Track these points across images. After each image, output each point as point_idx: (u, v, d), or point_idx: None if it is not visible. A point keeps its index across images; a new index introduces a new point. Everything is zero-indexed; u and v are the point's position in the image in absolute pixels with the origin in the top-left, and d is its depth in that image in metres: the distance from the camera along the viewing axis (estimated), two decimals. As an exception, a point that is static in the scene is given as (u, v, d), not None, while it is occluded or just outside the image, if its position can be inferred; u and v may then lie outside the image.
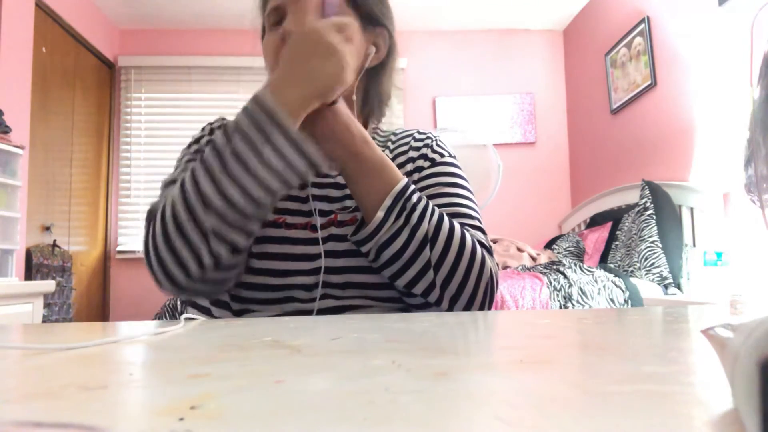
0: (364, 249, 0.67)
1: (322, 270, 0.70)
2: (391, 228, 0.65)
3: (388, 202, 0.65)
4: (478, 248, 0.68)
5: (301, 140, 0.60)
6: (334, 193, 0.76)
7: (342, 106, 0.67)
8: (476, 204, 0.78)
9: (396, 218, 0.65)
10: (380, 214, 0.65)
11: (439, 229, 0.66)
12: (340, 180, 0.77)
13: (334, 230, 0.72)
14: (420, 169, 0.80)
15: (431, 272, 0.66)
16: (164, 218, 0.61)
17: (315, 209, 0.74)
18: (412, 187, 0.68)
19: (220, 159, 0.59)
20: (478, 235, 0.72)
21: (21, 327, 0.50)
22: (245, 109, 0.61)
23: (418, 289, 0.67)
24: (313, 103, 0.62)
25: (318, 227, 0.73)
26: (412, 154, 0.81)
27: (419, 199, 0.67)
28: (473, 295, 0.67)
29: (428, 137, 0.83)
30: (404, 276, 0.67)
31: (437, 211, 0.68)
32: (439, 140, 0.84)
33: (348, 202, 0.75)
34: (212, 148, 0.61)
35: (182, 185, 0.62)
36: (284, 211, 0.74)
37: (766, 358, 0.14)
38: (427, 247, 0.65)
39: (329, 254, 0.71)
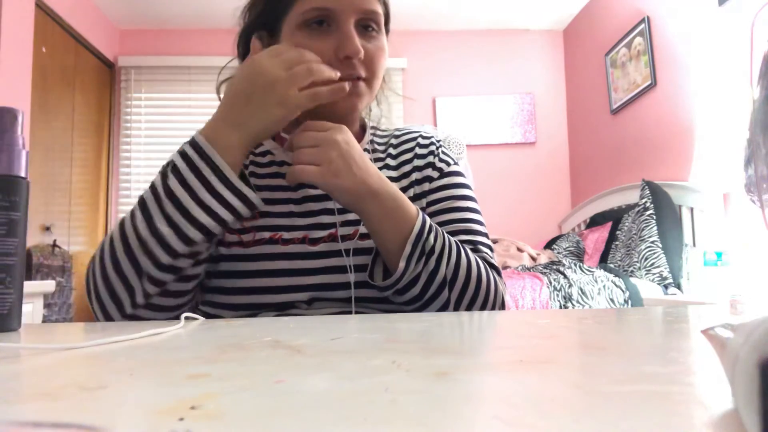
0: (384, 294, 0.67)
1: (352, 285, 0.69)
2: (411, 274, 0.65)
3: (408, 249, 0.64)
4: (491, 276, 0.70)
5: (236, 181, 0.61)
6: (333, 204, 0.74)
7: (355, 144, 0.65)
8: (481, 215, 0.79)
9: (416, 264, 0.65)
10: (402, 264, 0.64)
11: (458, 270, 0.67)
12: None
13: (337, 245, 0.71)
14: (429, 179, 0.79)
15: (451, 310, 0.68)
16: (102, 255, 0.63)
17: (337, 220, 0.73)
18: (428, 223, 0.67)
19: (155, 198, 0.61)
20: (487, 255, 0.74)
21: (21, 327, 0.50)
22: (182, 153, 0.62)
23: None
24: (251, 143, 0.62)
25: (337, 238, 0.72)
26: (418, 162, 0.80)
27: (435, 238, 0.66)
28: None
29: (432, 143, 0.83)
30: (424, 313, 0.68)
31: (453, 246, 0.67)
32: (443, 147, 0.83)
33: (348, 216, 0.73)
34: (149, 189, 0.62)
35: (120, 222, 0.63)
36: (279, 228, 0.72)
37: (766, 359, 0.14)
38: (446, 289, 0.66)
39: (333, 270, 0.70)
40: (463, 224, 0.75)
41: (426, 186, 0.79)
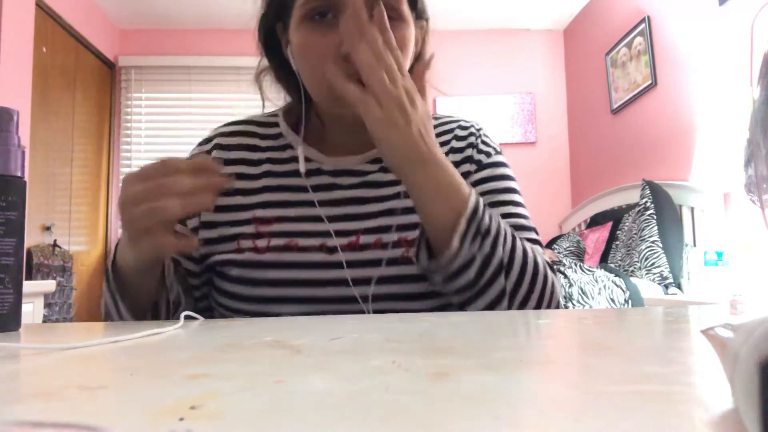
0: (434, 278, 0.61)
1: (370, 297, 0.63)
2: (466, 256, 0.57)
3: (462, 226, 0.57)
4: (548, 271, 0.63)
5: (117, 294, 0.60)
6: (355, 210, 0.68)
7: (429, 115, 0.59)
8: (526, 209, 0.73)
9: (471, 244, 0.57)
10: (456, 243, 0.56)
11: (513, 256, 0.59)
12: (361, 193, 0.70)
13: (358, 255, 0.65)
14: (467, 174, 0.73)
15: (506, 301, 0.60)
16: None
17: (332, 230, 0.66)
18: (483, 202, 0.60)
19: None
20: (538, 250, 0.65)
21: (21, 327, 0.50)
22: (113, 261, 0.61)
23: None
24: (144, 260, 0.57)
25: (357, 247, 0.66)
26: (453, 157, 0.74)
27: (491, 218, 0.59)
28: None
29: (471, 133, 0.76)
30: (475, 304, 0.60)
31: (509, 230, 0.61)
32: (484, 134, 0.77)
33: (370, 223, 0.67)
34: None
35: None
36: (295, 234, 0.66)
37: (766, 358, 0.14)
38: (502, 277, 0.59)
39: (354, 283, 0.64)
40: (509, 219, 0.68)
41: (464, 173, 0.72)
